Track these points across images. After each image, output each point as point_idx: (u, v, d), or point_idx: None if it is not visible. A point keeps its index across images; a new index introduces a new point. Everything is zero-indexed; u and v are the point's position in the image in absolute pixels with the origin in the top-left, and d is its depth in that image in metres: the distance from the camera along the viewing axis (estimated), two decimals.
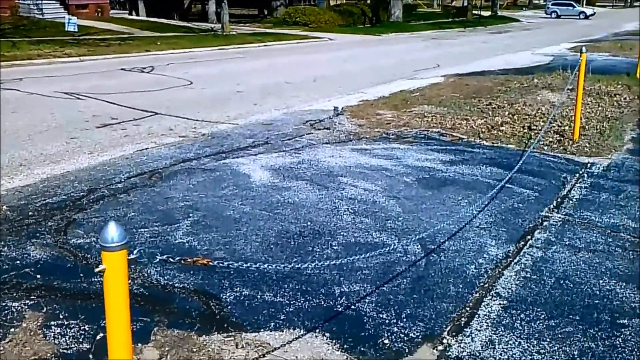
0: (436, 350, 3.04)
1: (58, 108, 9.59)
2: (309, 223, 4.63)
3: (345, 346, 3.05)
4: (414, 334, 3.17)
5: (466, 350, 3.03)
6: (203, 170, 6.12)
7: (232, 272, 3.78)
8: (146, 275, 3.73)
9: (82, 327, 3.14)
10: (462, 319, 3.34)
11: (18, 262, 3.90)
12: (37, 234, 4.39)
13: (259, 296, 3.51)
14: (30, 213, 4.87)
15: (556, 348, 3.05)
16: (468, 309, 3.45)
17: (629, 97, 10.81)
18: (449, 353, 3.01)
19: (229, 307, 3.39)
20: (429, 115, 9.12)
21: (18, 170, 6.23)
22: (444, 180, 5.83)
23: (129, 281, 3.62)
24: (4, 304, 3.35)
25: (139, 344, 2.99)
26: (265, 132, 8.09)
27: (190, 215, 4.78)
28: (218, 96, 11.22)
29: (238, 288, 3.59)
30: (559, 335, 3.17)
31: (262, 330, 3.19)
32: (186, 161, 6.51)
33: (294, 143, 7.39)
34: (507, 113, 9.13)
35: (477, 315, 3.37)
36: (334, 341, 3.09)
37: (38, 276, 3.71)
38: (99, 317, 3.18)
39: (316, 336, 3.14)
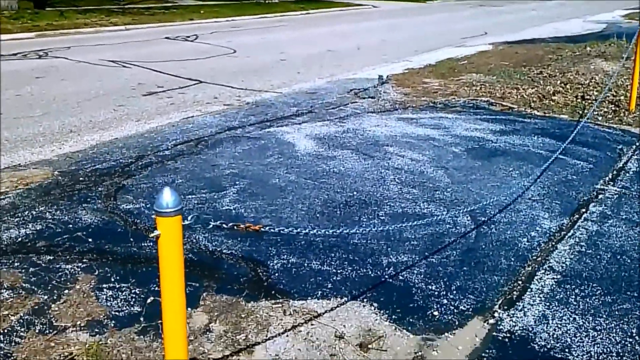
0: (487, 324, 2.96)
1: (105, 76, 9.71)
2: (355, 193, 4.57)
3: (393, 316, 3.01)
4: (464, 306, 3.10)
5: (518, 324, 2.95)
6: (248, 138, 6.11)
7: (279, 239, 3.77)
8: (194, 241, 3.75)
9: (133, 290, 3.19)
10: (514, 292, 3.25)
11: (70, 225, 3.97)
12: (88, 199, 4.47)
13: (305, 264, 3.49)
14: (80, 178, 4.96)
15: (613, 325, 2.93)
16: (520, 282, 3.35)
17: None
18: (501, 327, 2.93)
19: (277, 274, 3.38)
20: (478, 84, 8.88)
21: (68, 137, 6.34)
22: (494, 151, 5.67)
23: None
24: (57, 266, 3.43)
25: (189, 309, 3.01)
26: (309, 100, 8.01)
27: (237, 182, 4.78)
28: (261, 65, 11.16)
29: (285, 256, 3.58)
30: (616, 312, 3.05)
31: (309, 298, 3.17)
32: (231, 129, 6.50)
33: (338, 112, 7.30)
34: (559, 82, 8.81)
35: (529, 289, 3.28)
36: (381, 311, 3.05)
37: (90, 240, 3.77)
38: (150, 281, 3.23)
39: (364, 305, 3.11)
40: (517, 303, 3.14)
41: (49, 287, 3.19)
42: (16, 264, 3.44)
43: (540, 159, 5.41)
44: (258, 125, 6.68)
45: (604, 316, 3.02)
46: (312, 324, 2.94)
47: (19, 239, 3.76)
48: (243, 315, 3.00)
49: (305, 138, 6.08)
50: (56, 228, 3.93)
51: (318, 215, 4.17)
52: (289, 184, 4.76)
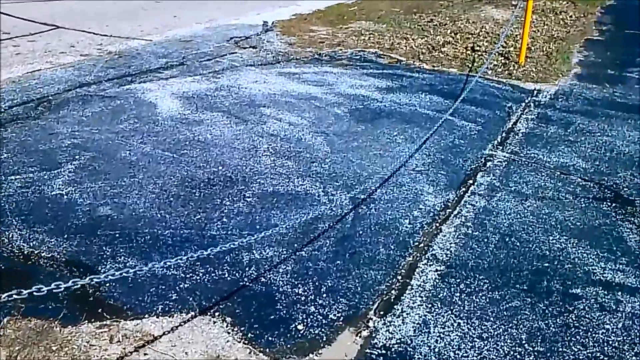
0: (359, 337, 2.50)
1: None
2: (220, 167, 3.93)
3: (249, 335, 2.47)
4: (334, 314, 2.62)
5: (395, 336, 2.51)
6: (102, 97, 5.24)
7: (117, 234, 3.09)
8: (6, 240, 2.98)
9: None
10: (392, 292, 2.80)
11: None
12: None
13: (146, 268, 2.83)
14: None
15: (501, 331, 2.56)
16: (400, 278, 2.91)
17: (574, 14, 10.32)
18: (375, 341, 2.47)
19: (108, 284, 2.72)
20: (366, 33, 8.35)
21: None
22: (379, 112, 5.19)
23: None
24: None
25: None
26: (182, 50, 7.15)
27: (77, 157, 3.98)
28: (134, 6, 9.97)
29: (122, 257, 2.91)
30: (504, 313, 2.68)
31: (146, 315, 2.55)
32: (83, 86, 5.58)
33: (213, 65, 6.52)
34: (449, 32, 8.47)
35: (409, 287, 2.84)
36: (235, 328, 2.50)
37: None
38: None
39: (214, 322, 2.54)
40: (395, 306, 2.70)
41: None
42: None
43: (426, 121, 5.00)
44: (117, 81, 5.78)
45: (491, 319, 2.64)
46: (144, 353, 2.34)
47: None
48: (54, 348, 2.34)
49: (171, 97, 5.30)
50: None
51: (172, 199, 3.50)
52: (142, 157, 4.02)
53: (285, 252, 3.04)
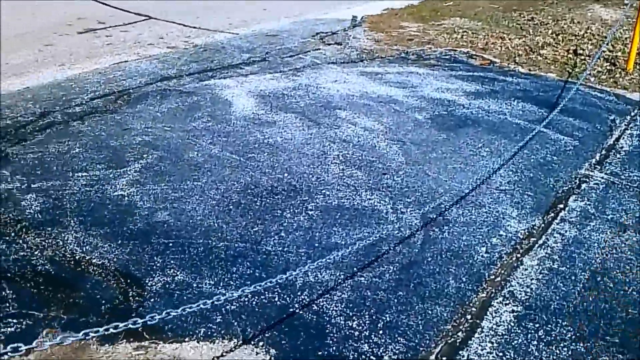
0: None
1: (41, 8, 8.57)
2: (285, 174, 3.73)
3: None
4: (390, 356, 2.34)
5: None
6: (180, 93, 5.19)
7: (171, 244, 2.96)
8: (61, 242, 2.93)
9: None
10: (459, 333, 2.49)
11: None
12: None
13: (195, 284, 2.69)
14: None
15: None
16: (469, 317, 2.59)
17: None
18: None
19: (152, 299, 2.59)
20: (459, 31, 7.88)
21: None
22: (464, 119, 4.81)
23: (32, 252, 2.86)
24: None
25: (16, 356, 2.23)
26: (267, 45, 7.02)
27: (145, 156, 3.91)
28: None
29: (172, 270, 2.78)
30: None
31: (186, 339, 2.39)
32: (164, 80, 5.57)
33: (295, 61, 6.34)
34: (550, 32, 7.83)
35: (479, 329, 2.51)
36: None
37: None
38: None
39: (257, 352, 2.33)
40: (461, 352, 2.39)
41: None
42: None
43: (517, 132, 4.57)
44: (197, 75, 5.74)
45: None
46: None
47: None
48: None
49: (247, 95, 5.17)
50: None
51: (231, 207, 3.34)
52: (209, 159, 3.90)
53: (342, 277, 2.79)
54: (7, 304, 2.50)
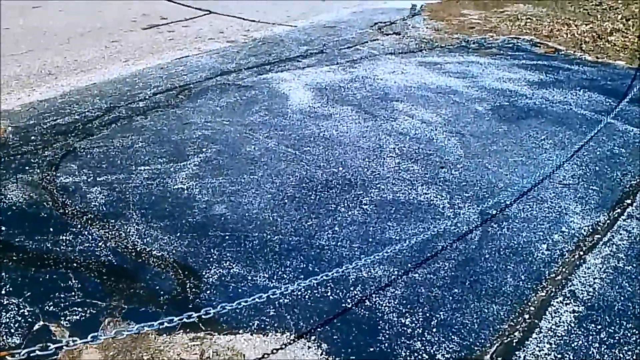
0: None
1: (108, 5, 8.88)
2: (340, 168, 3.73)
3: None
4: (443, 354, 2.31)
5: None
6: (239, 87, 5.27)
7: (227, 237, 3.02)
8: (123, 234, 3.04)
9: (21, 310, 2.52)
10: (516, 333, 2.42)
11: None
12: (27, 167, 3.79)
13: (250, 277, 2.73)
14: (33, 137, 4.28)
15: None
16: (527, 317, 2.51)
17: None
18: None
19: (208, 291, 2.65)
20: (523, 18, 7.63)
21: (43, 81, 5.65)
22: (526, 110, 4.65)
23: (96, 244, 2.98)
24: None
25: (78, 340, 2.32)
26: (324, 37, 7.02)
27: (204, 150, 4.00)
28: None
29: (227, 262, 2.83)
30: None
31: (240, 331, 2.43)
32: (224, 74, 5.66)
33: (352, 53, 6.31)
34: (619, 17, 7.45)
35: (537, 330, 2.44)
36: (330, 358, 2.29)
37: (2, 228, 3.10)
38: (47, 297, 2.55)
39: (309, 347, 2.35)
40: (517, 353, 2.32)
41: None
42: None
43: (582, 123, 4.38)
44: (256, 69, 5.80)
45: None
46: None
47: None
48: (146, 358, 2.30)
49: (304, 88, 5.19)
50: None
51: (286, 200, 3.37)
52: (265, 153, 3.94)
53: (396, 272, 2.76)
54: (73, 293, 2.62)
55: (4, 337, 2.36)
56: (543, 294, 2.65)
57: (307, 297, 2.61)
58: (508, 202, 3.33)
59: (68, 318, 2.48)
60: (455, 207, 3.28)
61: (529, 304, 2.59)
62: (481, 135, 4.19)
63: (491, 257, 2.87)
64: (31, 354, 1.72)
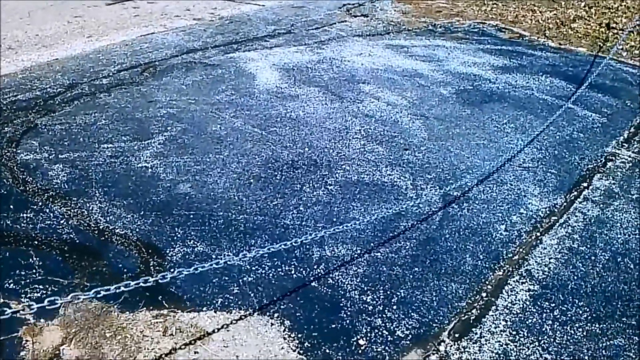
0: None
1: None
2: (306, 149, 3.75)
3: (306, 343, 2.29)
4: (402, 331, 2.37)
5: None
6: (204, 66, 5.22)
7: (191, 215, 3.02)
8: (86, 212, 3.01)
9: None
10: (473, 311, 2.50)
11: None
12: None
13: (214, 255, 2.75)
14: None
15: None
16: (484, 295, 2.59)
17: None
18: None
19: (172, 269, 2.64)
20: (489, 3, 7.72)
21: (4, 55, 5.50)
22: (489, 94, 4.74)
23: (58, 221, 2.95)
24: None
25: (42, 320, 2.32)
26: (293, 17, 6.99)
27: (169, 128, 3.97)
28: None
29: (192, 241, 2.83)
30: (604, 352, 2.30)
31: (204, 308, 2.45)
32: (190, 52, 5.59)
33: (320, 34, 6.30)
34: (583, 5, 7.61)
35: (494, 307, 2.52)
36: (292, 334, 2.33)
37: None
38: (6, 278, 2.52)
39: (271, 323, 2.39)
40: (474, 329, 2.40)
41: None
42: None
43: (543, 108, 4.49)
44: (222, 48, 5.75)
45: (586, 358, 2.27)
46: (195, 352, 2.24)
47: None
48: (108, 334, 2.30)
49: (271, 68, 5.17)
50: None
51: (252, 180, 3.38)
52: (231, 132, 3.93)
53: (358, 251, 2.81)
54: (34, 271, 2.59)
55: None
56: (500, 273, 2.73)
57: (270, 275, 2.64)
58: (470, 184, 3.40)
59: (29, 295, 2.46)
60: (417, 189, 3.34)
61: (487, 282, 2.67)
62: (445, 119, 4.26)
63: (451, 238, 2.95)
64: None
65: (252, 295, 2.53)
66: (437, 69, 5.24)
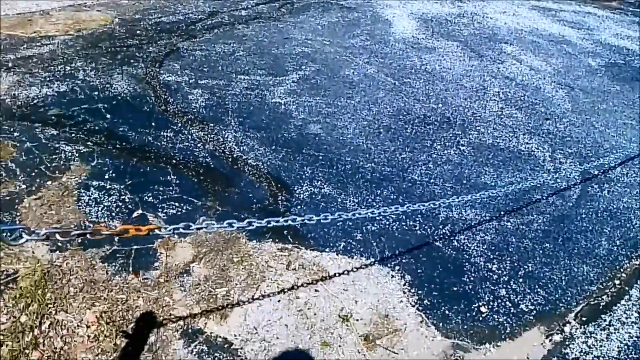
0: (550, 341, 2.15)
1: None
2: (440, 105, 3.63)
3: (425, 301, 2.27)
4: (527, 305, 2.28)
5: (593, 352, 2.12)
6: (341, 7, 5.15)
7: (320, 157, 3.03)
8: (221, 139, 3.11)
9: (122, 197, 2.65)
10: (604, 297, 2.36)
11: (96, 93, 3.45)
12: (132, 61, 3.90)
13: (339, 199, 2.76)
14: (138, 31, 4.38)
15: None
16: (618, 282, 2.44)
17: None
18: (567, 351, 2.11)
19: (299, 206, 2.69)
20: None
21: None
22: None
23: (195, 144, 3.06)
24: (56, 146, 2.94)
25: (175, 237, 2.45)
26: None
27: (303, 67, 3.98)
28: None
29: (319, 182, 2.85)
30: None
31: (326, 249, 2.48)
32: None
33: None
34: None
35: (627, 297, 2.37)
36: (412, 290, 2.32)
37: (107, 117, 3.24)
38: (146, 188, 2.67)
39: (392, 275, 2.38)
40: (603, 316, 2.27)
41: (33, 174, 2.72)
42: (15, 134, 2.99)
43: None
44: None
45: None
46: (315, 290, 2.28)
47: (35, 102, 3.31)
48: (235, 259, 2.39)
49: (409, 17, 5.01)
50: (79, 94, 3.43)
51: (382, 130, 3.33)
52: (364, 79, 3.88)
53: (488, 218, 2.72)
54: (171, 188, 2.72)
55: (105, 220, 2.50)
56: (637, 262, 2.55)
57: (394, 227, 2.61)
58: (612, 165, 3.17)
59: (165, 211, 2.59)
60: (556, 162, 3.16)
61: (621, 270, 2.50)
62: (591, 92, 3.96)
63: (587, 218, 2.77)
64: (175, 231, 1.78)
65: (374, 244, 2.52)
66: (586, 38, 4.86)
